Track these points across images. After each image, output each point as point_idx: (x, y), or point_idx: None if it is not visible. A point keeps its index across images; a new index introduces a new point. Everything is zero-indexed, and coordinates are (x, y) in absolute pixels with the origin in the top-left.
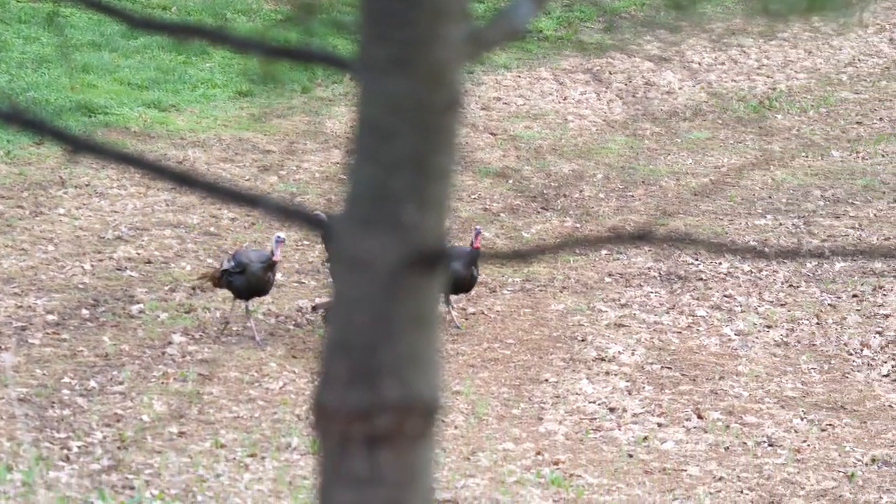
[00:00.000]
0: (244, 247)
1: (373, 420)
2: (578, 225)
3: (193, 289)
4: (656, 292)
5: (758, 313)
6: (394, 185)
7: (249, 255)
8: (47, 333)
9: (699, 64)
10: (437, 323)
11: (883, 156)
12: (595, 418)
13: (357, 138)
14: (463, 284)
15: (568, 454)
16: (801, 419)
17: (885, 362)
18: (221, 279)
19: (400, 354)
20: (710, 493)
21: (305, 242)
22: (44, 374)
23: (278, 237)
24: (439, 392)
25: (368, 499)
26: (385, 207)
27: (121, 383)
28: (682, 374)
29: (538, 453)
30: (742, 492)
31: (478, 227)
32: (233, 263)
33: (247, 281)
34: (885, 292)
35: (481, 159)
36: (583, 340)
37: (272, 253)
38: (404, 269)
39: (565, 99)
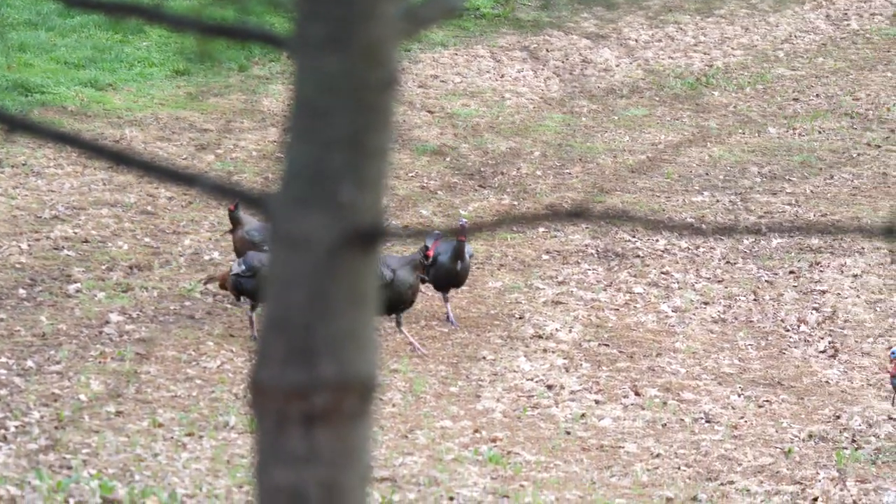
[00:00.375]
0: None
1: (310, 398)
2: (516, 202)
3: (131, 268)
4: (594, 269)
5: (695, 290)
6: (330, 163)
7: (262, 259)
8: None
9: (636, 41)
10: (374, 301)
11: (820, 132)
12: (532, 396)
13: (293, 117)
14: (451, 278)
15: (506, 431)
16: (739, 395)
17: (822, 338)
18: (231, 282)
19: (337, 333)
20: (648, 470)
21: None
22: None
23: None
24: (376, 370)
25: (306, 477)
26: (321, 186)
27: (58, 363)
28: (620, 352)
29: (476, 431)
30: (679, 468)
31: (462, 220)
32: (244, 267)
33: (259, 284)
34: (821, 269)
35: (418, 137)
36: (520, 318)
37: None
38: (341, 248)
39: (502, 76)
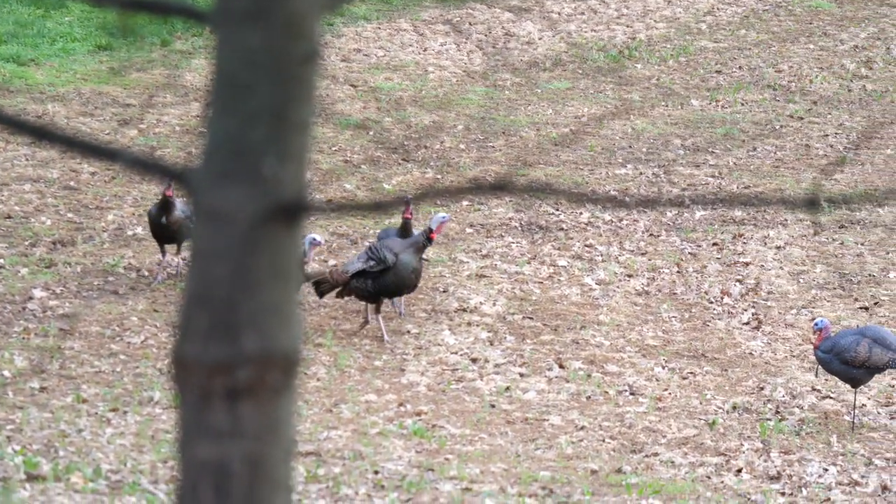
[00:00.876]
0: None
1: (233, 373)
2: (439, 176)
3: (54, 244)
4: (517, 243)
5: (618, 263)
6: (252, 137)
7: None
8: None
9: (559, 14)
10: (297, 275)
11: (742, 104)
12: (457, 369)
13: (215, 91)
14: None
15: (430, 405)
16: (663, 368)
17: (746, 310)
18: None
19: (260, 307)
20: (572, 442)
21: None
22: None
23: (313, 239)
24: (300, 344)
25: (229, 451)
26: (244, 160)
27: None
28: (544, 324)
29: (401, 404)
30: (604, 440)
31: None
32: (372, 262)
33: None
34: (744, 240)
35: (342, 111)
36: (444, 291)
37: (304, 255)
38: (264, 222)
39: (425, 50)
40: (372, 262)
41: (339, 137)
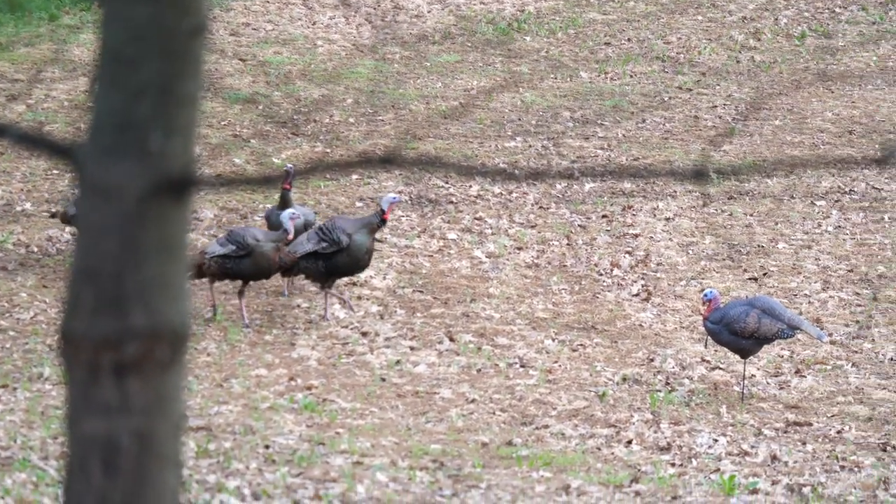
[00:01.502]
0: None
1: (121, 348)
2: (328, 150)
3: None
4: (407, 216)
5: (508, 235)
6: (140, 112)
7: (256, 234)
8: None
9: None
10: (186, 250)
11: (631, 76)
12: (347, 343)
13: (102, 65)
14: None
15: (321, 379)
16: (553, 340)
17: (635, 282)
18: (212, 266)
19: (148, 282)
20: (463, 415)
21: (55, 172)
22: None
23: (293, 213)
24: (189, 319)
25: (118, 427)
26: (131, 135)
27: None
28: (434, 298)
29: (291, 379)
30: (494, 413)
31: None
32: (233, 247)
33: (254, 263)
34: (634, 212)
35: (230, 85)
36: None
37: (285, 231)
38: (151, 197)
39: (314, 24)
40: (325, 244)
41: (227, 112)
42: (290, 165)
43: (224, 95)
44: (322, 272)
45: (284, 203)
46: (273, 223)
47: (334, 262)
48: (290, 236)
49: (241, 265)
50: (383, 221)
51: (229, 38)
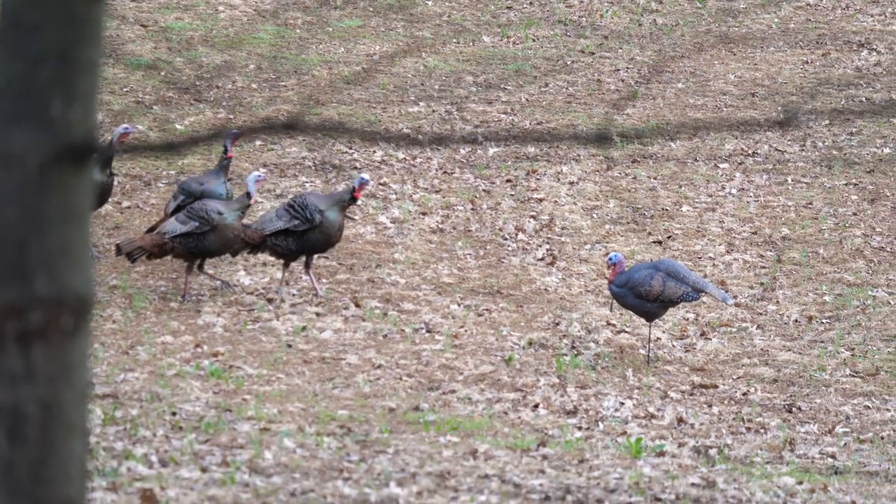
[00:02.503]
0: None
1: (25, 316)
2: (231, 116)
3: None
4: (311, 182)
5: (413, 201)
6: (40, 78)
7: (217, 207)
8: None
9: None
10: (89, 217)
11: (534, 40)
12: (253, 309)
13: (2, 32)
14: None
15: (227, 346)
16: (458, 305)
17: (540, 246)
18: (176, 246)
19: (51, 250)
20: (370, 381)
21: None
22: None
23: (259, 175)
24: (93, 286)
25: (23, 395)
26: (31, 102)
27: None
28: (339, 264)
29: (197, 346)
30: (401, 378)
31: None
32: (195, 223)
33: (219, 238)
34: (538, 177)
35: (132, 51)
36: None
37: (247, 195)
38: (53, 164)
39: None
40: (296, 222)
41: (129, 78)
42: (234, 131)
43: (126, 62)
44: (292, 249)
45: (224, 172)
46: (192, 193)
47: (306, 239)
48: (254, 200)
49: (205, 241)
50: (354, 199)
51: (130, 4)
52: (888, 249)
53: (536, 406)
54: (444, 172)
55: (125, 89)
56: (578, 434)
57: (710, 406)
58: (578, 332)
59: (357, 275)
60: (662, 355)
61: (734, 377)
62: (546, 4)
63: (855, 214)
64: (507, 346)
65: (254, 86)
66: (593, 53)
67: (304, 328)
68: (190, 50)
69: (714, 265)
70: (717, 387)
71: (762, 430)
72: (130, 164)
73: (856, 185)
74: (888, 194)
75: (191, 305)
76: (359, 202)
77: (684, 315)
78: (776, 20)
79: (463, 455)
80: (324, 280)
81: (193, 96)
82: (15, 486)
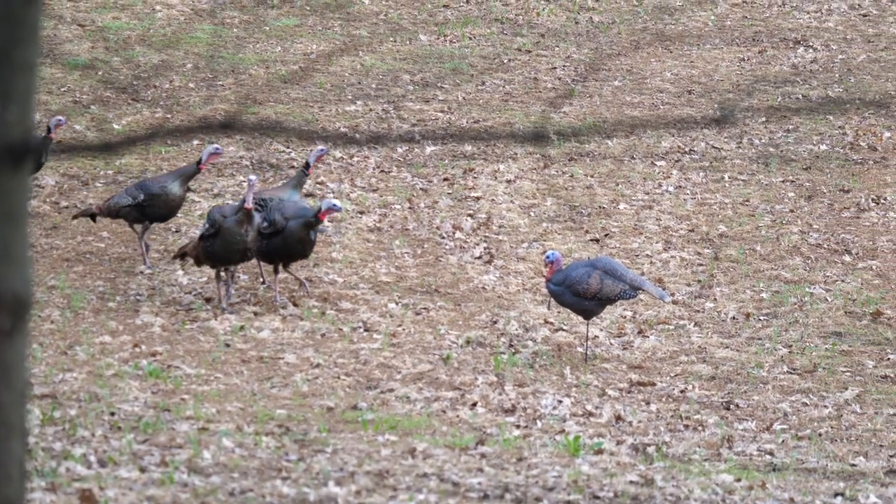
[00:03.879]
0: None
1: None
2: (169, 115)
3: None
4: (249, 181)
5: (350, 199)
6: None
7: (223, 211)
8: None
9: None
10: (26, 217)
11: (470, 38)
12: (191, 309)
13: None
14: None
15: (165, 345)
16: (396, 304)
17: (477, 245)
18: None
19: None
20: (308, 380)
21: None
22: None
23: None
24: (30, 286)
25: None
26: None
27: None
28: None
29: (135, 345)
30: (339, 377)
31: (335, 203)
32: (207, 224)
33: (223, 242)
34: (475, 175)
35: (69, 51)
36: (177, 231)
37: (199, 163)
38: None
39: None
40: (265, 224)
41: (67, 78)
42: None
43: (63, 61)
44: (262, 252)
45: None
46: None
47: (270, 244)
48: (203, 167)
49: (214, 246)
50: (319, 221)
51: (67, 4)
52: (825, 246)
53: (475, 404)
54: (382, 171)
55: (62, 89)
56: (517, 432)
57: (647, 404)
58: (516, 330)
59: (295, 273)
60: (600, 353)
61: (672, 375)
62: (483, 3)
63: (792, 211)
64: (445, 344)
65: (191, 85)
66: (530, 52)
67: (242, 328)
68: (127, 49)
69: (651, 263)
70: (654, 384)
71: (700, 428)
72: (68, 164)
73: (792, 182)
74: (825, 191)
75: (129, 305)
76: (324, 224)
77: (622, 313)
78: (712, 18)
79: (401, 454)
80: (261, 279)
81: (131, 96)
82: None
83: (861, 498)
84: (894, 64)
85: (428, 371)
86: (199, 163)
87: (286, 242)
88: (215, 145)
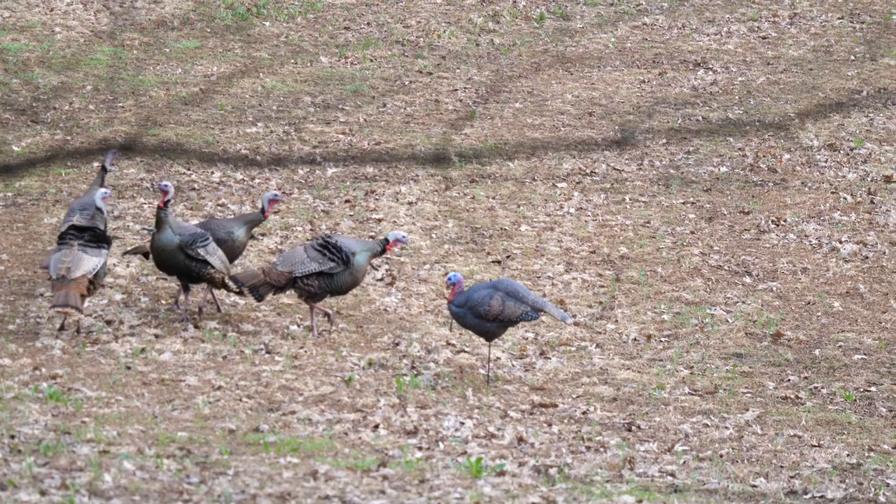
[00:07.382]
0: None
1: None
2: (69, 137)
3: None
4: (150, 203)
5: None
6: None
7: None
8: None
9: None
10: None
11: (371, 60)
12: (92, 331)
13: None
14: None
15: (66, 368)
16: (298, 326)
17: (379, 267)
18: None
19: None
20: (210, 402)
21: None
22: None
23: (275, 195)
24: None
25: None
26: None
27: None
28: (178, 285)
29: (35, 368)
30: (241, 399)
31: (276, 193)
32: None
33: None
34: (376, 197)
35: None
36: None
37: (262, 211)
38: None
39: (52, 10)
40: (332, 264)
41: None
42: (276, 193)
43: None
44: (321, 291)
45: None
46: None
47: (335, 281)
48: (268, 215)
49: (336, 281)
50: (384, 251)
51: None
52: (725, 268)
53: (377, 426)
54: (283, 193)
55: None
56: (419, 454)
57: (549, 425)
58: (418, 352)
59: (196, 296)
60: (502, 375)
61: (574, 396)
62: (384, 25)
63: (692, 233)
64: (347, 366)
65: (91, 107)
66: (431, 74)
67: (143, 350)
68: (26, 71)
69: (553, 284)
70: (556, 406)
71: (602, 449)
72: None
73: (693, 203)
74: (725, 213)
75: (29, 328)
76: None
77: (524, 334)
78: (613, 40)
79: (303, 476)
80: (162, 301)
81: (30, 118)
82: None
83: None
84: (793, 86)
85: (330, 393)
86: (262, 211)
87: (354, 278)
88: (273, 192)
